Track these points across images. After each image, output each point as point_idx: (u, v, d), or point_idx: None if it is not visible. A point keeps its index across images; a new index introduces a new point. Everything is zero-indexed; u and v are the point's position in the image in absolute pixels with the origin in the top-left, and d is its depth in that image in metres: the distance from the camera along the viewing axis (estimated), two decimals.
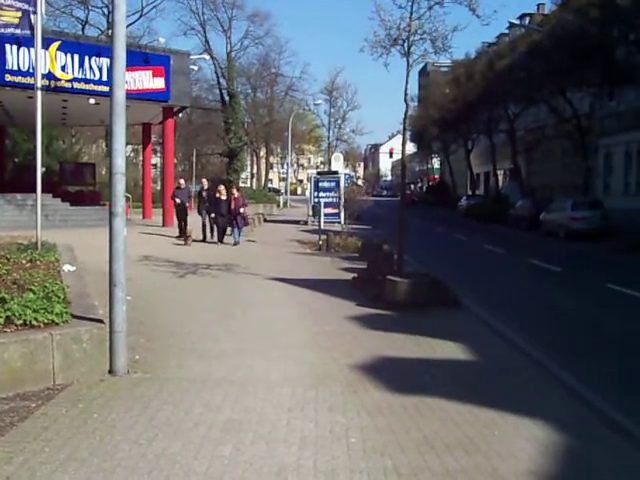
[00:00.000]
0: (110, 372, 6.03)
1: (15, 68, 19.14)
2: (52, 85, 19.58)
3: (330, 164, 48.87)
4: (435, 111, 46.67)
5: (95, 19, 64.74)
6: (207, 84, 55.41)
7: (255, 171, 73.82)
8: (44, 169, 18.64)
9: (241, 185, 37.67)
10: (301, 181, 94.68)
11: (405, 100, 11.51)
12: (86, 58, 20.68)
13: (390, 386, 6.05)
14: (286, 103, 64.73)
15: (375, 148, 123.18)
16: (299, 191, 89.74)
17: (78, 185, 30.98)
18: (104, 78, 20.02)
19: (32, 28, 12.14)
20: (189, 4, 50.61)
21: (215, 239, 19.40)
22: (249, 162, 70.51)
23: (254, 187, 62.00)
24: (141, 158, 36.31)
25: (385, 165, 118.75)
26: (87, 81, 20.75)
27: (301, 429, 4.90)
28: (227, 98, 47.96)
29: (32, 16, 12.07)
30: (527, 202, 32.32)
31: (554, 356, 7.47)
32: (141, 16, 44.54)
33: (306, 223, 28.94)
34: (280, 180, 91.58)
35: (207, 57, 48.96)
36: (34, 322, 5.81)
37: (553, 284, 14.07)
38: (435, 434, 4.88)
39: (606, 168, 32.60)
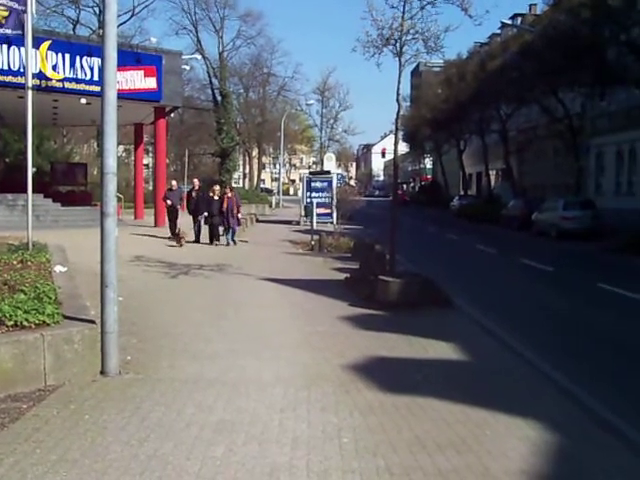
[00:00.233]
0: (102, 373, 6.01)
1: (5, 67, 19.05)
2: (43, 85, 19.51)
3: (322, 164, 48.99)
4: (427, 111, 46.75)
5: (86, 18, 64.13)
6: (199, 84, 55.53)
7: (247, 171, 73.83)
8: (35, 169, 18.51)
9: (233, 185, 37.56)
10: (293, 181, 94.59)
11: (397, 100, 11.53)
12: (77, 58, 20.59)
13: (382, 386, 6.06)
14: (278, 103, 64.84)
15: (367, 148, 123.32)
16: (291, 191, 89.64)
17: (69, 185, 30.81)
18: (95, 78, 19.97)
19: (23, 27, 12.09)
20: (181, 4, 50.76)
21: (207, 240, 19.36)
22: (241, 162, 70.54)
23: (246, 187, 61.92)
24: (133, 158, 36.17)
25: (377, 165, 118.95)
26: (78, 81, 20.66)
27: (293, 429, 4.90)
28: (219, 98, 47.93)
29: (22, 15, 12.02)
30: (519, 202, 32.40)
31: (546, 356, 7.50)
32: (132, 15, 44.56)
33: (298, 223, 28.90)
34: (272, 180, 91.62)
35: (199, 57, 49.05)
36: (25, 323, 5.78)
37: (545, 284, 14.12)
38: (427, 434, 4.89)
39: (597, 168, 32.76)
